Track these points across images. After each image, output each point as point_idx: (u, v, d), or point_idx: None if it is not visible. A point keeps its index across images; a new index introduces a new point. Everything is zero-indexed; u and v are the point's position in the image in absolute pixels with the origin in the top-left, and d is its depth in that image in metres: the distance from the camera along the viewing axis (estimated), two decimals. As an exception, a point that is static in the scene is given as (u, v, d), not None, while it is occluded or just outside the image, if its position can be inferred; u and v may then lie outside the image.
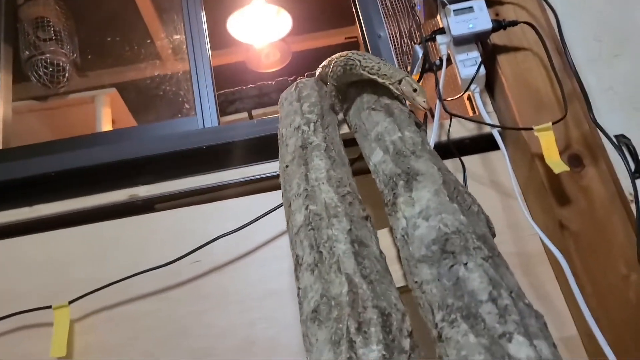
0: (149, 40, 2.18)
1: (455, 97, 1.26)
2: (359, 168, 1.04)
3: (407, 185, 0.80)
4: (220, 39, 2.16)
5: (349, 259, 0.69)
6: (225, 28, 1.97)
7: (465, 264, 0.62)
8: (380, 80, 0.95)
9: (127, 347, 1.09)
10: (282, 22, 2.12)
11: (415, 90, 0.90)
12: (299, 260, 0.77)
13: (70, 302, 1.09)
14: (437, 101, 1.21)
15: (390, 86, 0.93)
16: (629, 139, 1.16)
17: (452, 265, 0.63)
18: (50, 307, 1.09)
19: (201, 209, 1.23)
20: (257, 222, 1.17)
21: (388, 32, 1.43)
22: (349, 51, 1.04)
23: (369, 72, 0.96)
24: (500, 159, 1.24)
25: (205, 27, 1.40)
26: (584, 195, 1.12)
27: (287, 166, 0.97)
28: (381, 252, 0.75)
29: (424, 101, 0.90)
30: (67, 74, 2.04)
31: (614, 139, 1.14)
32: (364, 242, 0.74)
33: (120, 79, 2.23)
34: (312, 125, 1.02)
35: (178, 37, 2.03)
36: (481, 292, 0.58)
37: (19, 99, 2.07)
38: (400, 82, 0.91)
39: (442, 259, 0.64)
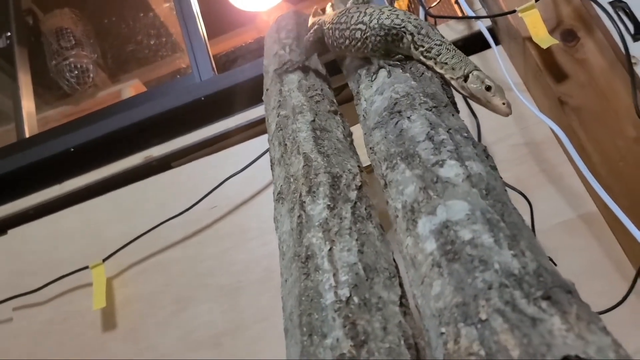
0: (163, 38, 2.25)
1: (437, 1, 1.24)
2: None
3: (367, 72, 0.81)
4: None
5: (308, 142, 0.71)
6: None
7: (409, 117, 0.63)
8: (438, 69, 0.73)
9: (161, 294, 1.17)
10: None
11: (489, 88, 0.67)
12: (272, 160, 0.80)
13: (104, 260, 1.17)
14: (420, 7, 1.20)
15: (452, 81, 0.72)
16: (625, 2, 1.10)
17: (397, 122, 0.64)
18: (87, 267, 1.17)
19: (213, 158, 1.28)
20: (263, 159, 1.20)
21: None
22: (391, 7, 0.81)
23: (423, 55, 0.74)
24: (500, 55, 1.22)
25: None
26: (581, 69, 1.08)
27: (267, 89, 1.00)
28: (346, 136, 0.77)
29: (504, 103, 0.66)
30: (91, 74, 2.16)
31: (608, 6, 1.09)
32: (326, 129, 0.75)
33: (143, 72, 2.33)
34: (287, 48, 1.05)
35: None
36: (420, 134, 0.59)
37: (53, 108, 2.20)
38: (466, 78, 0.70)
39: (390, 119, 0.65)
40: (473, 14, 1.16)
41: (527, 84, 1.18)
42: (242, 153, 1.26)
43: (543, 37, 1.04)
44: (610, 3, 1.10)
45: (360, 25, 0.79)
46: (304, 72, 0.94)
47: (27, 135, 1.43)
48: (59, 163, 1.31)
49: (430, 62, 0.74)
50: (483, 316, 0.37)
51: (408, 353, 0.40)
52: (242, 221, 1.20)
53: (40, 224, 1.29)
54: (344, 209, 0.56)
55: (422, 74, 0.73)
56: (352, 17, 0.82)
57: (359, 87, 0.81)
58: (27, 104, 1.48)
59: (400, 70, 0.74)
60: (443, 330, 0.39)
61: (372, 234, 0.53)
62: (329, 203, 0.56)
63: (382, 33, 0.76)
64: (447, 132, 0.59)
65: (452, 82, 0.72)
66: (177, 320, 1.13)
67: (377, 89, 0.75)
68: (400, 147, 0.60)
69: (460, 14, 1.28)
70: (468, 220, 0.46)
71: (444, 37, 0.76)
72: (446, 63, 0.72)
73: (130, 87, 2.20)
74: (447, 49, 0.74)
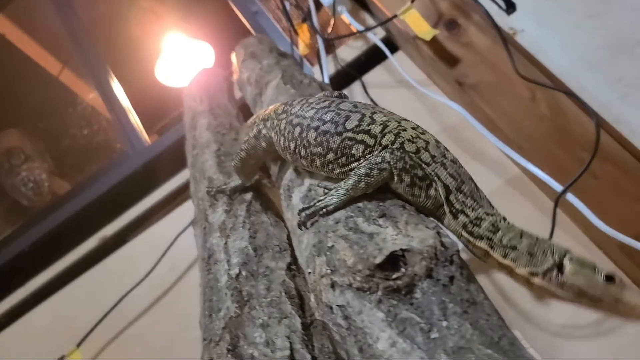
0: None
1: (330, 28, 1.34)
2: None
3: (259, 93, 0.89)
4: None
5: (212, 167, 0.77)
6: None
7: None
8: (498, 257, 0.47)
9: (145, 358, 1.18)
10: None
11: (610, 278, 0.44)
12: (190, 195, 0.86)
13: (78, 345, 1.19)
14: (317, 36, 1.29)
15: (533, 278, 0.45)
16: (494, -16, 1.21)
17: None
18: (63, 357, 1.19)
19: (165, 221, 1.33)
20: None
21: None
22: (412, 124, 0.58)
23: (466, 229, 0.48)
24: (400, 59, 1.30)
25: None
26: (469, 50, 1.16)
27: (186, 139, 1.06)
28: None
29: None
30: (46, 183, 2.21)
31: (479, -9, 1.19)
32: (231, 153, 0.82)
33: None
34: (198, 99, 1.12)
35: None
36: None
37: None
38: (559, 267, 0.44)
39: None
40: (362, 28, 1.25)
41: (430, 77, 1.26)
42: (191, 208, 1.31)
43: (425, 31, 1.13)
44: (480, -12, 1.20)
45: (363, 137, 0.52)
46: (214, 117, 1.01)
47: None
48: (17, 266, 1.34)
49: (481, 244, 0.47)
50: (330, 244, 0.42)
51: (288, 302, 0.45)
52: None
53: (12, 330, 1.31)
54: (239, 209, 0.61)
55: (301, 81, 0.80)
56: (339, 114, 0.54)
57: (255, 107, 0.88)
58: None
59: (283, 84, 0.81)
60: (309, 270, 0.44)
61: (266, 222, 0.58)
62: (226, 208, 0.62)
63: (401, 165, 0.48)
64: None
65: (533, 280, 0.45)
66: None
67: (267, 99, 0.81)
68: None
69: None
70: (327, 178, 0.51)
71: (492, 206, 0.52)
72: (514, 247, 0.46)
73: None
74: (506, 223, 0.49)
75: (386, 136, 0.51)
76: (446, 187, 0.49)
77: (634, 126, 1.02)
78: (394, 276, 0.36)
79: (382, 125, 0.53)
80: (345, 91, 1.33)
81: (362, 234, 0.41)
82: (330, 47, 1.33)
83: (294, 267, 0.51)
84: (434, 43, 1.17)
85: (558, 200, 0.94)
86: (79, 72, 2.03)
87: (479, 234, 0.47)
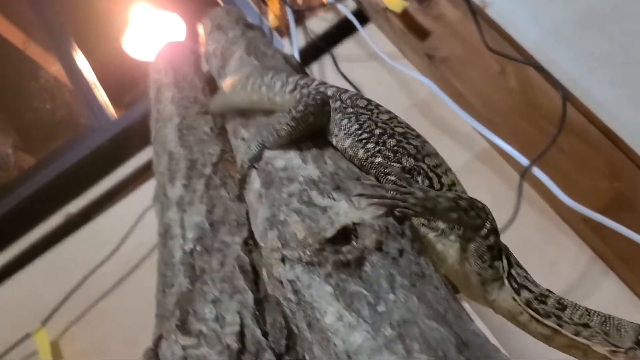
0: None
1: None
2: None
3: (223, 66, 0.86)
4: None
5: (172, 141, 0.75)
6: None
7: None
8: (571, 334, 0.44)
9: (110, 340, 1.17)
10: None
11: None
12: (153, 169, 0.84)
13: (43, 323, 1.17)
14: (287, 8, 1.27)
15: (615, 356, 0.42)
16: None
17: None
18: (28, 334, 1.17)
19: (131, 197, 1.30)
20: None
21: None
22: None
23: (531, 306, 0.45)
24: (371, 32, 1.29)
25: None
26: (439, 23, 1.15)
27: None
28: (214, 129, 0.81)
29: None
30: (11, 158, 2.16)
31: (450, -38, 1.18)
32: (193, 127, 0.80)
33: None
34: (163, 72, 1.09)
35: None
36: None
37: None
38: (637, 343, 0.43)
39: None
40: (332, 0, 1.23)
41: (401, 50, 1.25)
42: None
43: (395, 3, 1.11)
44: (451, -41, 1.19)
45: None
46: (177, 89, 0.98)
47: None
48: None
49: (549, 322, 0.44)
50: (282, 218, 0.41)
51: (242, 277, 0.44)
52: (171, 249, 1.22)
53: (-23, 307, 1.28)
54: (197, 184, 0.59)
55: (265, 53, 0.78)
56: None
57: (219, 79, 0.86)
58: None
59: (247, 56, 0.79)
60: (262, 244, 0.43)
61: (224, 197, 0.57)
62: (184, 182, 0.60)
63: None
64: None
65: (615, 358, 0.42)
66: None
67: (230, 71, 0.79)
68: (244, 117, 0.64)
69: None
70: (283, 152, 0.50)
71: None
72: (586, 325, 0.43)
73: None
74: (569, 300, 0.45)
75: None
76: (508, 259, 0.45)
77: (602, 101, 1.03)
78: (344, 250, 0.35)
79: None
80: (315, 65, 1.30)
81: (315, 208, 0.40)
82: (300, 19, 1.31)
83: (251, 242, 0.50)
84: (404, 15, 1.16)
85: (524, 174, 0.94)
86: (43, 44, 1.97)
87: (546, 312, 0.43)
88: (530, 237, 0.99)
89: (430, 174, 0.47)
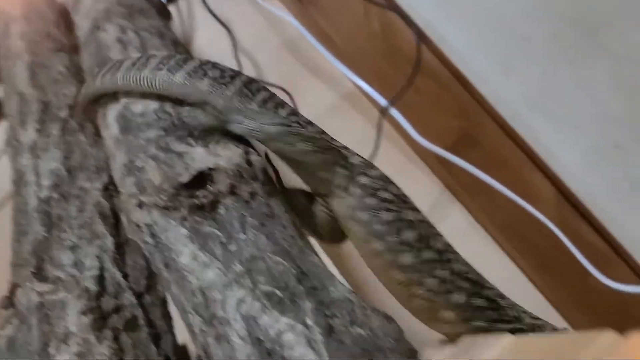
0: None
1: None
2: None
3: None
4: None
5: (22, 81, 0.71)
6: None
7: (105, 29, 0.65)
8: None
9: None
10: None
11: None
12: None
13: None
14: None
15: None
16: None
17: (96, 37, 0.66)
18: None
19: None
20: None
21: None
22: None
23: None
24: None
25: None
26: (307, -39, 1.16)
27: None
28: (70, 68, 0.77)
29: None
30: None
31: None
32: (46, 65, 0.75)
33: None
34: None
35: None
36: (111, 41, 0.62)
37: None
38: None
39: (91, 37, 0.67)
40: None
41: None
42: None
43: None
44: None
45: None
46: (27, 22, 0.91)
47: None
48: None
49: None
50: (139, 164, 0.41)
51: (102, 222, 0.44)
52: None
53: None
54: (52, 128, 0.57)
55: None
56: None
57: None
58: None
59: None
60: (122, 190, 0.44)
61: (82, 142, 0.56)
62: (37, 127, 0.58)
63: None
64: (135, 32, 0.62)
65: None
66: None
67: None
68: (98, 58, 0.62)
69: None
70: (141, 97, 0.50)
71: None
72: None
73: None
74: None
75: None
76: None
77: (455, 45, 1.11)
78: (199, 194, 0.37)
79: None
80: (182, 1, 1.26)
81: (172, 154, 0.41)
82: (164, -51, 1.24)
83: (111, 187, 0.50)
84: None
85: (384, 114, 1.01)
86: None
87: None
88: (389, 171, 1.07)
89: None
